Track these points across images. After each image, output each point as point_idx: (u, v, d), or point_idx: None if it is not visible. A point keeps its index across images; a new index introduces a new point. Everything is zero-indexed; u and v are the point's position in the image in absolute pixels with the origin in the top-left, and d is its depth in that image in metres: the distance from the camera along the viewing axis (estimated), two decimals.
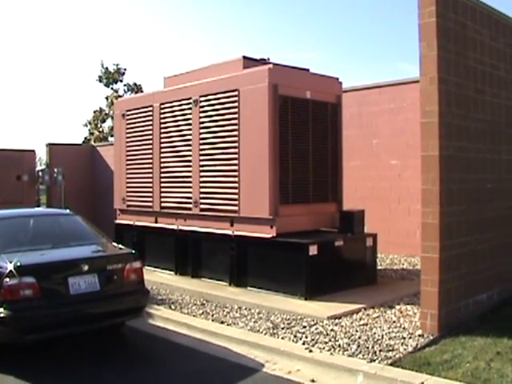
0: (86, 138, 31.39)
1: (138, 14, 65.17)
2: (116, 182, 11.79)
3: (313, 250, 7.83)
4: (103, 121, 31.47)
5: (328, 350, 5.72)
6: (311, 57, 66.29)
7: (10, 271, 5.63)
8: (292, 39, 71.70)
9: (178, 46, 72.05)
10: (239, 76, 8.75)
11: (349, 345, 5.84)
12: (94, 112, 31.59)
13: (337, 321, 6.76)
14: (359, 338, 6.07)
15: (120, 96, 29.54)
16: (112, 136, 25.11)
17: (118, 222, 11.62)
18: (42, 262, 6.18)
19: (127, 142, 11.31)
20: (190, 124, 9.60)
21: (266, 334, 6.44)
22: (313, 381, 5.23)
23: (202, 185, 9.35)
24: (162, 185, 10.31)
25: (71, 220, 7.64)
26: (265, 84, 8.22)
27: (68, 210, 8.21)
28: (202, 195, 9.34)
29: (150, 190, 10.59)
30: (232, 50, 70.35)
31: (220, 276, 9.07)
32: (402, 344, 5.81)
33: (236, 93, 8.68)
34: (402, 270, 9.97)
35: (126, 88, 31.57)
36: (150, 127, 10.58)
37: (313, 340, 6.06)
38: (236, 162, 8.69)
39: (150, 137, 10.58)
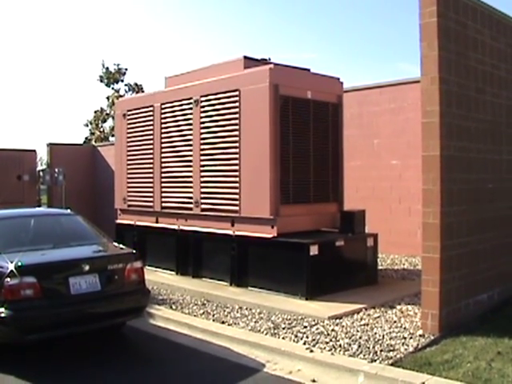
0: (86, 138, 31.43)
1: (138, 14, 65.21)
2: (117, 181, 11.79)
3: (314, 250, 7.83)
4: (104, 121, 31.51)
5: (329, 350, 5.72)
6: (312, 57, 66.25)
7: (11, 271, 5.63)
8: (293, 39, 71.66)
9: (178, 46, 72.06)
10: (240, 76, 8.75)
11: (350, 345, 5.84)
12: (95, 112, 31.63)
13: (338, 321, 6.76)
14: (360, 338, 6.07)
15: (121, 96, 29.57)
16: (113, 136, 25.12)
17: (118, 221, 11.63)
18: (43, 261, 6.18)
19: (128, 142, 11.31)
20: (190, 124, 9.61)
21: (266, 334, 6.44)
22: (314, 381, 5.23)
23: (202, 185, 9.35)
24: (163, 185, 10.32)
25: (72, 220, 7.64)
26: (266, 84, 8.22)
27: (69, 210, 8.22)
28: (202, 195, 9.35)
29: (151, 189, 10.60)
30: (233, 50, 70.42)
31: (221, 276, 9.07)
32: (403, 344, 5.81)
33: (237, 93, 8.68)
34: (403, 270, 9.97)
35: (126, 88, 31.63)
36: (151, 127, 10.59)
37: (314, 340, 6.06)
38: (237, 161, 8.69)
39: (151, 137, 10.58)
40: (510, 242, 7.63)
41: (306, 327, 6.57)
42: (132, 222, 11.14)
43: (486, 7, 7.11)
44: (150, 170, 10.62)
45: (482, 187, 7.02)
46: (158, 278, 9.62)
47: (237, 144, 8.69)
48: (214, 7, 66.01)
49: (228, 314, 7.41)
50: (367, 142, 12.18)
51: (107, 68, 31.47)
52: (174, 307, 7.88)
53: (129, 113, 11.31)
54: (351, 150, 10.92)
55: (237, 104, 8.69)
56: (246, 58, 9.06)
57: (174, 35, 69.29)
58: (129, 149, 11.28)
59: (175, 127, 10.02)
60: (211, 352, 6.21)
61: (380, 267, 9.71)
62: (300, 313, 7.11)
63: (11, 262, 5.72)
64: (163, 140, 10.28)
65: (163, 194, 10.31)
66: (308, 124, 8.72)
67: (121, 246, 7.58)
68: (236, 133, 8.71)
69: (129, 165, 11.30)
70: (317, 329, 6.48)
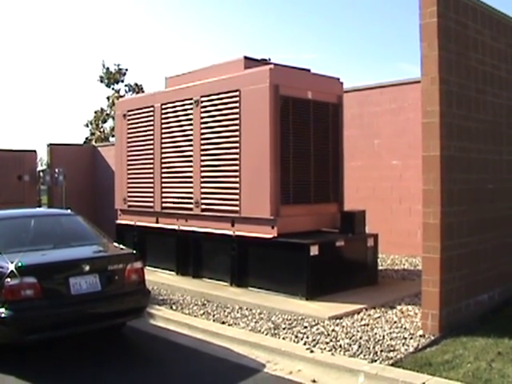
0: (87, 139, 31.46)
1: (139, 14, 65.24)
2: (117, 182, 11.79)
3: (314, 251, 7.83)
4: (104, 121, 31.53)
5: (329, 351, 5.72)
6: (312, 57, 66.23)
7: (12, 271, 5.63)
8: (292, 39, 71.64)
9: (178, 47, 72.10)
10: (240, 76, 8.75)
11: (350, 345, 5.84)
12: (95, 112, 31.65)
13: (338, 321, 6.76)
14: (360, 338, 6.07)
15: (121, 96, 29.60)
16: (113, 136, 25.12)
17: (119, 222, 11.63)
18: (44, 262, 6.18)
19: (128, 143, 11.31)
20: (191, 124, 9.60)
21: (267, 334, 6.44)
22: (314, 381, 5.23)
23: (203, 185, 9.35)
24: (163, 185, 10.32)
25: (72, 220, 7.64)
26: (266, 84, 8.22)
27: (69, 211, 8.22)
28: (203, 195, 9.35)
29: (151, 190, 10.60)
30: (233, 51, 70.40)
31: (221, 276, 9.07)
32: (403, 344, 5.81)
33: (237, 93, 8.68)
34: (403, 271, 9.97)
35: (127, 88, 31.67)
36: (151, 127, 10.59)
37: (314, 340, 6.06)
38: (237, 162, 8.69)
39: (151, 137, 10.58)
40: (511, 243, 7.62)
41: (306, 327, 6.57)
42: (132, 223, 11.14)
43: (486, 7, 7.11)
44: (151, 171, 10.62)
45: (482, 187, 7.01)
46: (158, 278, 9.62)
47: (237, 144, 8.69)
48: (213, 7, 66.07)
49: (228, 314, 7.41)
50: (368, 143, 12.18)
51: (107, 68, 31.50)
52: (174, 307, 7.88)
53: (129, 113, 11.31)
54: (352, 151, 10.92)
55: (237, 104, 8.69)
56: (246, 58, 9.06)
57: (174, 35, 69.38)
58: (129, 149, 11.29)
59: (175, 127, 10.01)
60: (211, 352, 6.21)
61: (380, 267, 9.71)
62: (300, 313, 7.11)
63: (11, 263, 5.72)
64: (163, 140, 10.28)
65: (163, 195, 10.31)
66: (308, 124, 8.72)
67: (121, 246, 7.58)
68: (236, 133, 8.70)
69: (129, 165, 11.30)
70: (317, 329, 6.48)
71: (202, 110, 9.32)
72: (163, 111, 10.28)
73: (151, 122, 10.59)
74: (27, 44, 77.49)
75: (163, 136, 10.28)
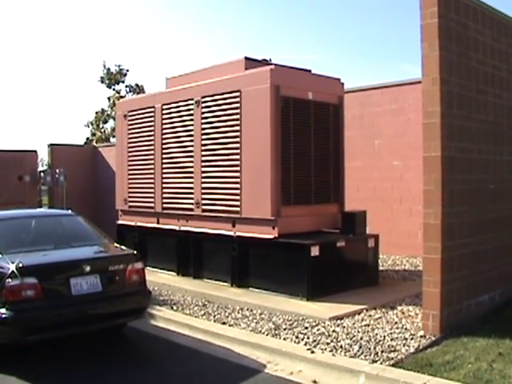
0: (87, 139, 31.50)
1: (139, 15, 65.27)
2: (118, 182, 11.80)
3: (315, 251, 7.83)
4: (105, 121, 31.56)
5: (330, 351, 5.72)
6: (312, 58, 66.21)
7: (12, 272, 5.64)
8: (293, 40, 71.63)
9: (179, 47, 72.11)
10: (241, 77, 8.75)
11: (351, 346, 5.84)
12: (96, 113, 31.69)
13: (339, 322, 6.76)
14: (361, 338, 6.07)
15: (122, 97, 29.62)
16: (114, 137, 25.16)
17: (119, 222, 11.63)
18: (44, 262, 6.18)
19: (129, 143, 11.32)
20: (191, 125, 9.60)
21: (267, 334, 6.43)
22: (315, 382, 5.23)
23: (203, 185, 9.35)
24: (164, 185, 10.32)
25: (73, 221, 7.64)
26: (267, 85, 8.22)
27: (70, 211, 8.23)
28: (203, 196, 9.35)
29: (152, 190, 10.60)
30: (233, 51, 70.32)
31: (222, 277, 9.07)
32: (404, 345, 5.80)
33: (238, 94, 8.68)
34: (404, 271, 9.97)
35: (127, 89, 31.71)
36: (152, 128, 10.59)
37: (315, 341, 6.05)
38: (238, 162, 8.69)
39: (152, 137, 10.58)
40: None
41: (307, 328, 6.57)
42: (133, 223, 11.15)
43: (486, 8, 7.11)
44: (151, 171, 10.62)
45: (483, 188, 7.01)
46: (158, 278, 9.62)
47: (238, 145, 8.69)
48: (214, 8, 66.09)
49: (229, 314, 7.41)
50: (368, 143, 12.18)
51: (108, 69, 31.53)
52: (174, 308, 7.88)
53: (130, 114, 11.32)
54: (352, 151, 10.92)
55: (238, 105, 8.69)
56: (247, 58, 9.06)
57: (175, 36, 69.43)
58: (130, 150, 11.29)
59: (176, 128, 10.02)
60: (212, 353, 6.21)
61: (381, 268, 9.71)
62: (301, 314, 7.11)
63: (12, 263, 5.73)
64: (164, 141, 10.28)
65: (164, 195, 10.31)
66: (309, 125, 8.72)
67: (122, 246, 7.58)
68: (237, 134, 8.71)
69: (130, 165, 11.30)
70: (318, 330, 6.48)
71: (203, 110, 9.32)
72: (164, 112, 10.28)
73: (152, 123, 10.60)
74: (28, 45, 77.58)
75: (164, 136, 10.28)
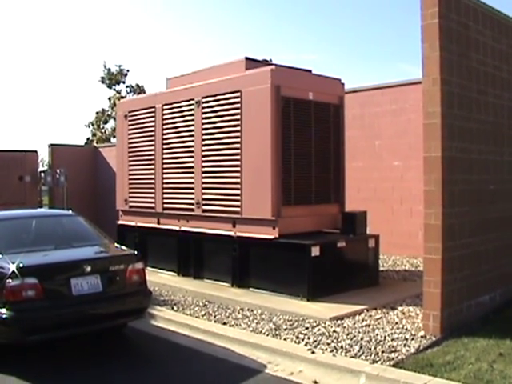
0: (88, 139, 31.53)
1: (140, 15, 65.32)
2: (118, 183, 11.80)
3: (315, 251, 7.83)
4: (106, 122, 31.58)
5: (330, 351, 5.71)
6: (312, 58, 66.21)
7: (13, 272, 5.64)
8: (293, 40, 71.64)
9: (179, 48, 72.15)
10: (242, 77, 8.75)
11: (351, 346, 5.84)
12: (97, 113, 31.71)
13: (339, 322, 6.76)
14: (361, 339, 6.07)
15: (122, 97, 29.65)
16: (114, 137, 25.15)
17: (120, 222, 11.63)
18: (45, 262, 6.18)
19: (129, 143, 11.32)
20: (192, 125, 9.61)
21: (268, 335, 6.43)
22: (315, 382, 5.23)
23: (204, 186, 9.35)
24: (165, 186, 10.32)
25: (73, 221, 7.64)
26: (267, 85, 8.22)
27: (70, 211, 8.23)
28: (204, 196, 9.35)
29: (153, 191, 10.60)
30: (233, 51, 70.32)
31: (222, 277, 9.07)
32: (405, 345, 5.80)
33: (238, 94, 8.68)
34: (405, 272, 9.96)
35: (128, 89, 31.73)
36: (153, 128, 10.59)
37: (315, 341, 6.05)
38: (238, 163, 8.69)
39: (153, 138, 10.59)
40: None
41: (307, 328, 6.57)
42: (133, 223, 11.15)
43: (487, 8, 7.11)
44: (152, 171, 10.62)
45: (483, 188, 7.01)
46: (159, 278, 9.62)
47: (238, 145, 8.69)
48: (214, 8, 66.14)
49: (229, 315, 7.41)
50: (369, 143, 12.18)
51: (109, 69, 31.56)
52: (175, 308, 7.88)
53: (130, 114, 11.32)
54: (353, 151, 10.92)
55: (238, 105, 8.69)
56: (247, 59, 9.06)
57: (175, 37, 69.48)
58: (130, 150, 11.29)
59: (177, 128, 10.02)
60: (212, 353, 6.21)
61: (381, 268, 9.71)
62: (301, 314, 7.10)
63: (13, 263, 5.73)
64: (165, 141, 10.28)
65: (165, 195, 10.31)
66: (309, 125, 8.72)
67: (122, 247, 7.58)
68: (238, 134, 8.71)
69: (130, 166, 11.30)
70: (318, 330, 6.48)
71: (204, 110, 9.33)
72: (164, 112, 10.28)
73: (152, 123, 10.60)
74: (29, 45, 77.63)
75: (164, 137, 10.29)
